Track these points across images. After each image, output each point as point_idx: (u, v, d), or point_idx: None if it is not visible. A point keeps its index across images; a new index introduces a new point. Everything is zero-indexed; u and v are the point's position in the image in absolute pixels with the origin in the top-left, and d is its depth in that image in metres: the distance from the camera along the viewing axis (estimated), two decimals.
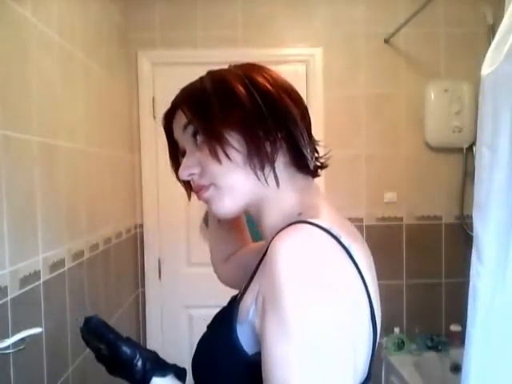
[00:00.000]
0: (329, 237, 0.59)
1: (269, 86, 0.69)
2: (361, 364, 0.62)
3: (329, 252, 0.58)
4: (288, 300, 0.54)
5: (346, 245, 0.59)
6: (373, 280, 0.64)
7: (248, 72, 0.71)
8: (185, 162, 0.71)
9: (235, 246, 0.97)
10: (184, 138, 0.72)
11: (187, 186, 0.78)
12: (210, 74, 0.73)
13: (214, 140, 0.66)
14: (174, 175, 0.77)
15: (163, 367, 0.71)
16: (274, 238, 0.60)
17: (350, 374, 0.56)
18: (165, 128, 0.77)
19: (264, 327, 0.57)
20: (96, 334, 0.73)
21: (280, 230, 0.61)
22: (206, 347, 0.70)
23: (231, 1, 2.40)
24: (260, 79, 0.69)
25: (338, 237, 0.59)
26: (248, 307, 0.62)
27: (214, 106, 0.67)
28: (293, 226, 0.60)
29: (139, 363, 0.69)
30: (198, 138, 0.69)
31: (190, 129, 0.70)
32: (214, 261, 1.01)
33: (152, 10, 2.39)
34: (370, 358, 0.64)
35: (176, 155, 0.76)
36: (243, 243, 0.97)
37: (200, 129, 0.68)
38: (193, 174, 0.71)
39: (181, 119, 0.71)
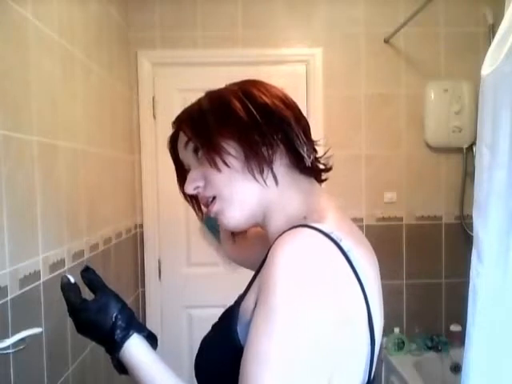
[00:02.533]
0: (328, 241, 0.59)
1: (262, 95, 0.71)
2: (354, 371, 0.62)
3: (325, 257, 0.59)
4: (278, 300, 0.55)
5: (346, 250, 0.60)
6: (375, 285, 0.64)
7: (243, 86, 0.74)
8: (189, 176, 0.74)
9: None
10: (187, 156, 0.75)
11: (197, 206, 0.81)
12: (207, 93, 0.76)
13: (211, 150, 0.69)
14: (183, 196, 0.80)
15: (142, 326, 0.72)
16: (275, 241, 0.61)
17: (321, 381, 0.57)
18: (170, 151, 0.80)
19: (252, 321, 0.58)
20: (92, 282, 0.74)
21: (282, 234, 0.62)
22: (208, 347, 0.70)
23: (231, 1, 2.40)
24: (254, 90, 0.72)
25: (338, 241, 0.60)
26: (249, 308, 0.62)
27: (210, 119, 0.70)
28: (293, 230, 0.61)
29: (123, 317, 0.70)
30: (198, 153, 0.72)
31: (191, 146, 0.73)
32: (223, 235, 1.03)
33: (152, 10, 2.38)
34: (369, 365, 0.63)
35: (183, 177, 0.78)
36: None
37: (198, 143, 0.71)
38: (198, 187, 0.73)
39: (182, 138, 0.74)
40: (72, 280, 0.74)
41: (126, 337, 0.68)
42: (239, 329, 0.63)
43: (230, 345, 0.63)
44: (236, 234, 1.00)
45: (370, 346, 0.62)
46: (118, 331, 0.68)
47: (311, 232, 0.60)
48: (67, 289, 0.73)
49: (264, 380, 0.54)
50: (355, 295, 0.60)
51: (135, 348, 0.68)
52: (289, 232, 0.61)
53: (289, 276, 0.56)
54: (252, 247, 0.95)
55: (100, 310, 0.69)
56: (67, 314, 0.73)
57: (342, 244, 0.60)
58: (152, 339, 0.72)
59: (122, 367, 0.69)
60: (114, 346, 0.68)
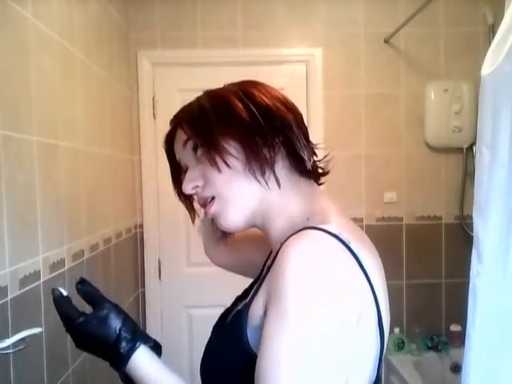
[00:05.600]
0: (338, 243, 0.59)
1: (263, 97, 0.70)
2: (366, 370, 0.62)
3: (337, 258, 0.59)
4: (290, 301, 0.55)
5: (356, 251, 0.60)
6: (382, 285, 0.65)
7: (243, 87, 0.73)
8: (187, 176, 0.73)
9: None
10: (185, 155, 0.74)
11: (190, 207, 0.80)
12: (206, 92, 0.75)
13: (212, 149, 0.68)
14: (177, 197, 0.79)
15: (147, 336, 0.70)
16: (283, 244, 0.61)
17: (339, 381, 0.57)
18: (166, 150, 0.79)
19: (264, 324, 0.57)
20: (89, 295, 0.70)
21: (289, 237, 0.61)
22: (216, 351, 0.70)
23: (231, 1, 2.40)
24: (255, 92, 0.71)
25: (348, 243, 0.60)
26: (258, 313, 0.62)
27: (211, 118, 0.69)
28: (302, 232, 0.61)
29: (127, 329, 0.67)
30: (197, 151, 0.71)
31: (190, 144, 0.72)
32: (205, 241, 1.01)
33: (152, 10, 2.38)
34: (377, 364, 0.64)
35: (178, 177, 0.78)
36: None
37: (198, 142, 0.70)
38: (196, 187, 0.72)
39: (181, 137, 0.73)
40: (64, 293, 0.70)
41: (132, 349, 0.65)
42: (249, 332, 0.62)
43: (240, 348, 0.62)
44: (227, 237, 0.98)
45: (380, 345, 0.63)
46: (124, 344, 0.65)
47: (319, 233, 0.60)
48: (61, 303, 0.69)
49: (280, 381, 0.53)
50: (366, 296, 0.60)
51: (142, 360, 0.66)
52: (296, 235, 0.60)
53: (300, 278, 0.56)
54: (240, 250, 0.94)
55: (102, 322, 0.66)
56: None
57: (351, 246, 0.60)
58: (157, 348, 0.70)
59: (128, 380, 0.67)
60: (120, 360, 0.65)
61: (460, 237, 2.43)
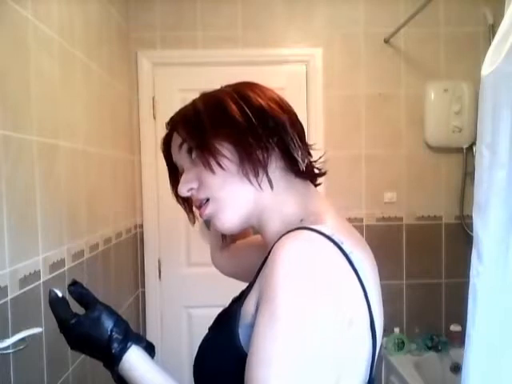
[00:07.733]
0: (330, 243, 0.59)
1: (258, 98, 0.71)
2: (358, 371, 0.62)
3: (328, 258, 0.59)
4: (280, 300, 0.55)
5: (348, 252, 0.60)
6: (375, 287, 0.65)
7: (238, 88, 0.73)
8: (183, 178, 0.74)
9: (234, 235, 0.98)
10: (180, 158, 0.74)
11: (189, 209, 0.81)
12: (202, 94, 0.75)
13: (205, 152, 0.68)
14: (175, 199, 0.80)
15: (140, 337, 0.70)
16: (275, 244, 0.61)
17: (329, 381, 0.57)
18: (164, 153, 0.80)
19: (255, 324, 0.58)
20: (81, 296, 0.71)
21: (281, 236, 0.61)
22: (208, 350, 0.70)
23: (231, 1, 2.40)
24: (250, 93, 0.71)
25: (340, 243, 0.60)
26: (250, 312, 0.62)
27: (205, 121, 0.69)
28: (294, 232, 0.61)
29: (119, 330, 0.67)
30: (192, 154, 0.71)
31: (185, 147, 0.72)
32: (212, 247, 1.02)
33: (152, 10, 2.39)
34: (370, 365, 0.64)
35: (176, 179, 0.78)
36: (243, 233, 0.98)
37: (193, 144, 0.71)
38: (192, 189, 0.73)
39: (177, 140, 0.74)
40: (60, 294, 0.71)
41: (124, 349, 0.66)
42: (240, 331, 0.62)
43: (231, 347, 0.62)
44: (227, 242, 0.98)
45: (372, 346, 0.63)
46: (116, 344, 0.66)
47: (311, 234, 0.60)
48: (55, 304, 0.70)
49: (270, 381, 0.54)
50: (357, 297, 0.60)
51: (134, 360, 0.66)
52: (288, 234, 0.61)
53: (291, 278, 0.56)
54: (243, 257, 0.94)
55: (94, 323, 0.67)
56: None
57: (343, 246, 0.60)
58: (150, 349, 0.70)
59: (121, 380, 0.67)
60: (112, 360, 0.66)
61: (460, 237, 2.43)
